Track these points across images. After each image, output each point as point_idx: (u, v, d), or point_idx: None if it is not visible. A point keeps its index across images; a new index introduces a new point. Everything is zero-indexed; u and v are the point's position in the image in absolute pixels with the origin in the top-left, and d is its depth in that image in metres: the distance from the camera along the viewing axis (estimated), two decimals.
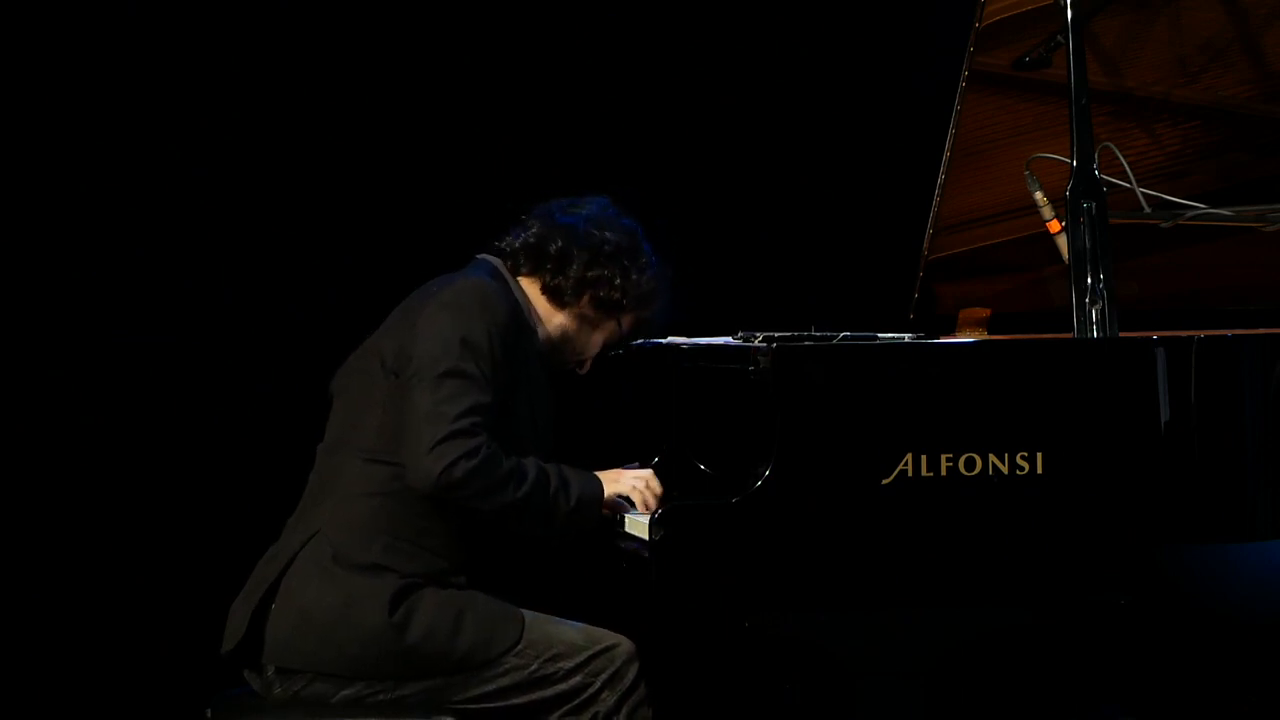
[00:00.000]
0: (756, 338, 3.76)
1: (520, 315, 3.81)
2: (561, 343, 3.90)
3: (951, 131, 4.08)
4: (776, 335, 3.73)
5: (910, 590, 3.47)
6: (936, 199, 4.17)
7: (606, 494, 3.73)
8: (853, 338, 3.76)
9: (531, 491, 3.62)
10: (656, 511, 3.49)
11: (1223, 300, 4.38)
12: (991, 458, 3.48)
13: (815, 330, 3.91)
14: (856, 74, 5.20)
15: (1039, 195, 3.97)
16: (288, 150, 4.97)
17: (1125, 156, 3.94)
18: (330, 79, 5.00)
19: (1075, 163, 3.70)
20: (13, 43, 4.84)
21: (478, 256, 3.91)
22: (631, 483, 3.77)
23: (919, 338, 3.98)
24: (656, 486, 3.78)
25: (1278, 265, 4.30)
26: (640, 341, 4.27)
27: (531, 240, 3.88)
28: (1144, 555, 3.53)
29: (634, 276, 3.87)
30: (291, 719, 3.63)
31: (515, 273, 3.88)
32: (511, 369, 3.71)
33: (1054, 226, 3.91)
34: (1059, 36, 3.84)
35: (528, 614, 3.71)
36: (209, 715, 3.71)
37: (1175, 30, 4.10)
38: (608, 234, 3.88)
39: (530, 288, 3.88)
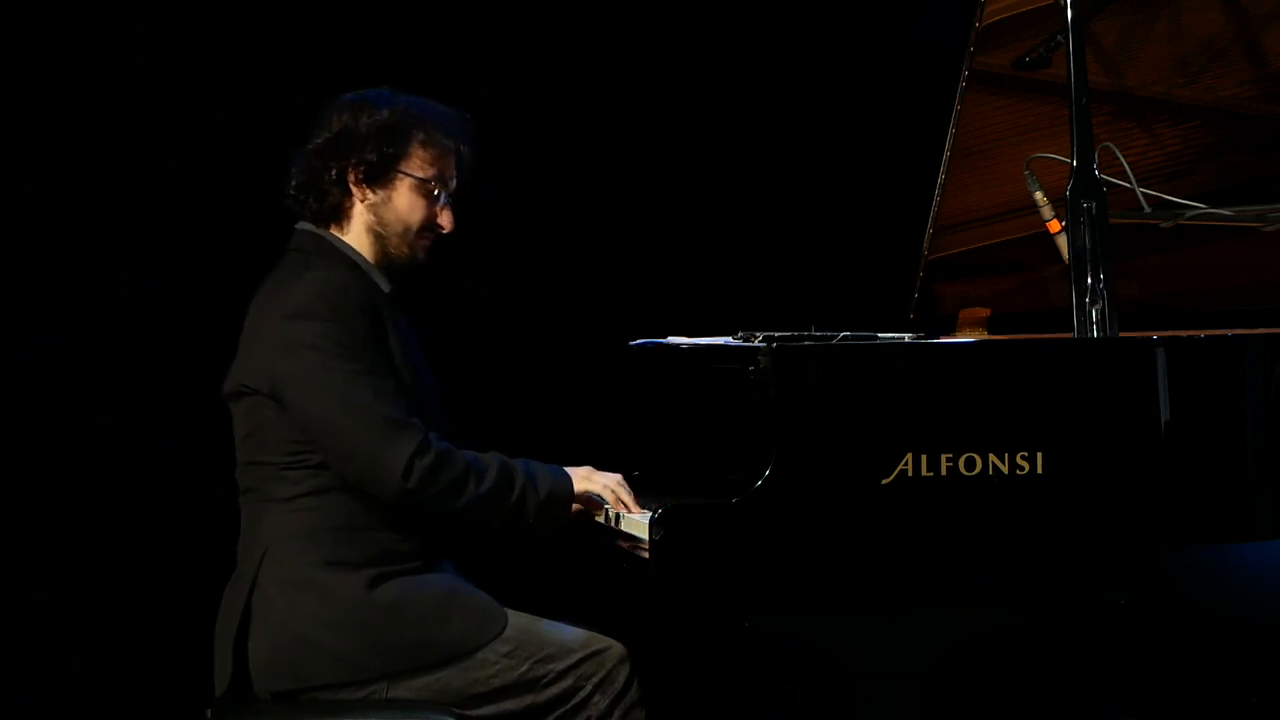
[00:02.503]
0: (756, 338, 3.76)
1: (356, 273, 3.71)
2: (382, 242, 3.75)
3: (951, 131, 4.08)
4: (776, 335, 3.73)
5: (910, 590, 3.47)
6: (936, 199, 4.17)
7: (578, 489, 3.70)
8: (853, 338, 3.76)
9: (496, 486, 3.59)
10: (657, 511, 3.49)
11: (1223, 300, 4.38)
12: (991, 458, 3.48)
13: (815, 330, 3.91)
14: (857, 74, 5.20)
15: (1039, 195, 3.97)
16: (283, 150, 4.97)
17: (1125, 156, 3.94)
18: (328, 78, 4.99)
19: (1075, 163, 3.70)
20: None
21: (296, 228, 3.79)
22: (603, 481, 3.74)
23: (919, 338, 3.97)
24: (626, 492, 3.75)
25: (1278, 265, 4.30)
26: (640, 342, 4.27)
27: (289, 193, 3.79)
28: (1144, 555, 3.53)
29: (366, 138, 3.70)
30: (291, 718, 3.63)
31: (313, 222, 3.77)
32: (382, 342, 3.64)
33: (1054, 226, 3.91)
34: (1059, 36, 3.84)
35: (516, 614, 3.68)
36: (209, 716, 3.71)
37: (1175, 30, 4.10)
38: (327, 127, 3.74)
39: (323, 227, 3.76)
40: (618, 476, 3.78)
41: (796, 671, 4.37)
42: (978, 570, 3.48)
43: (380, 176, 3.73)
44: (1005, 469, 3.48)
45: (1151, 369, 3.54)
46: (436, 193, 3.76)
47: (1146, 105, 4.20)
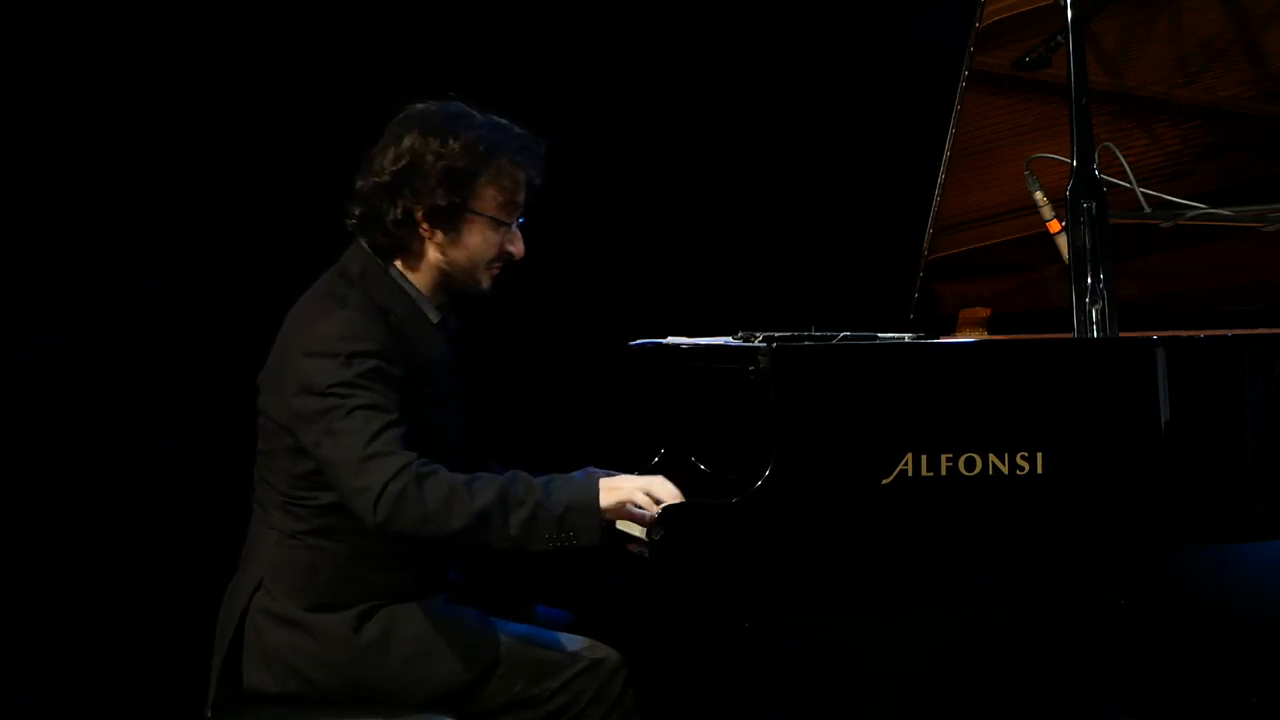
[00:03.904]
0: (756, 338, 3.76)
1: (395, 311, 3.63)
2: (447, 278, 3.69)
3: (951, 131, 4.08)
4: (776, 335, 3.73)
5: (910, 590, 3.47)
6: (936, 199, 4.17)
7: (606, 501, 3.52)
8: (853, 338, 3.76)
9: (495, 502, 3.44)
10: (657, 511, 3.49)
11: (1223, 300, 4.38)
12: (991, 458, 3.48)
13: (815, 330, 3.91)
14: (857, 74, 5.20)
15: (1039, 195, 3.97)
16: (267, 143, 4.97)
17: (1125, 156, 3.94)
18: (328, 78, 5.00)
19: (1075, 163, 3.70)
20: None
21: (355, 243, 3.71)
22: (634, 485, 3.57)
23: (919, 338, 3.97)
24: (661, 492, 3.56)
25: (1278, 265, 4.30)
26: (640, 342, 4.27)
27: (349, 214, 3.70)
28: (1144, 555, 3.53)
29: (433, 183, 3.60)
30: (291, 719, 3.64)
31: (380, 254, 3.69)
32: (405, 380, 3.57)
33: (1054, 226, 3.91)
34: (1059, 36, 3.84)
35: (507, 634, 3.66)
36: (209, 715, 3.71)
37: (1175, 30, 4.10)
38: (392, 157, 3.63)
39: (387, 258, 3.69)
40: (657, 479, 3.60)
41: (796, 671, 4.37)
42: (978, 570, 3.48)
43: (449, 219, 3.64)
44: (1005, 469, 3.48)
45: (1151, 369, 3.54)
46: (506, 224, 3.69)
47: (1146, 105, 4.20)
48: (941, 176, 4.13)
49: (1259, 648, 4.51)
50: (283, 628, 3.60)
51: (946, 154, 4.10)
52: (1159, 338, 3.56)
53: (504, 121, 3.71)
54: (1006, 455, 3.48)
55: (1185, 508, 3.53)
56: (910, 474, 3.45)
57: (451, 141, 3.63)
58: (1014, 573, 3.49)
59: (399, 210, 3.63)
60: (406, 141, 3.64)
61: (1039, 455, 3.48)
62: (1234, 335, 3.66)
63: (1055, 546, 3.50)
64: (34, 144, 4.87)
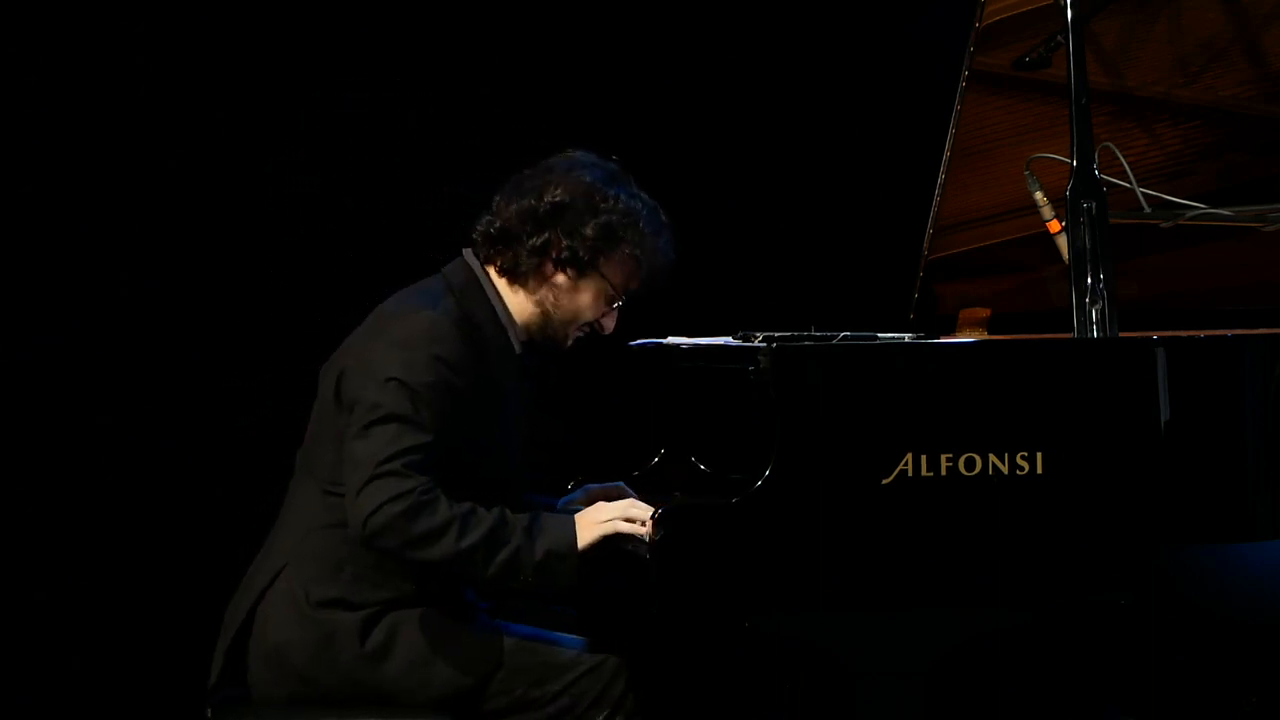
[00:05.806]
0: (756, 338, 3.76)
1: (483, 329, 3.67)
2: (545, 320, 3.74)
3: (951, 131, 4.08)
4: (776, 335, 3.73)
5: (910, 590, 3.47)
6: (936, 199, 4.17)
7: (584, 542, 3.56)
8: (853, 338, 3.77)
9: (480, 541, 3.47)
10: (657, 511, 3.49)
11: (1223, 300, 4.38)
12: (991, 458, 3.48)
13: (815, 330, 3.91)
14: (857, 74, 5.20)
15: (1039, 195, 3.97)
16: (267, 143, 4.97)
17: (1125, 156, 3.94)
18: (328, 78, 5.00)
19: (1075, 163, 3.70)
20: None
21: (463, 258, 3.77)
22: (609, 514, 3.59)
23: (919, 338, 3.98)
24: (639, 513, 3.59)
25: (1278, 265, 4.30)
26: (640, 342, 4.27)
27: (481, 226, 3.74)
28: (1144, 555, 3.53)
29: (585, 230, 3.67)
30: (291, 719, 3.64)
31: (485, 263, 3.74)
32: (472, 395, 3.60)
33: (1054, 226, 3.92)
34: (1059, 36, 3.84)
35: (509, 637, 3.66)
36: (209, 715, 3.71)
37: (1175, 30, 4.10)
38: (554, 192, 3.69)
39: (494, 275, 3.73)
40: (625, 503, 3.63)
41: (796, 671, 4.37)
42: (978, 570, 3.48)
43: (579, 268, 3.69)
44: (1005, 469, 3.48)
45: (1151, 369, 3.54)
46: (616, 299, 3.76)
47: (1146, 105, 4.20)
48: (941, 176, 4.14)
49: (1259, 648, 4.51)
50: (290, 624, 3.60)
51: (946, 154, 4.10)
52: (1159, 338, 3.56)
53: (656, 204, 3.80)
54: (1006, 455, 3.48)
55: (1185, 508, 3.53)
56: (910, 474, 3.46)
57: (613, 200, 3.71)
58: (1014, 573, 3.49)
59: (540, 239, 3.69)
60: (575, 183, 3.71)
61: (1039, 455, 3.48)
62: (1234, 335, 3.66)
63: (1055, 547, 3.50)
64: (34, 144, 4.87)
